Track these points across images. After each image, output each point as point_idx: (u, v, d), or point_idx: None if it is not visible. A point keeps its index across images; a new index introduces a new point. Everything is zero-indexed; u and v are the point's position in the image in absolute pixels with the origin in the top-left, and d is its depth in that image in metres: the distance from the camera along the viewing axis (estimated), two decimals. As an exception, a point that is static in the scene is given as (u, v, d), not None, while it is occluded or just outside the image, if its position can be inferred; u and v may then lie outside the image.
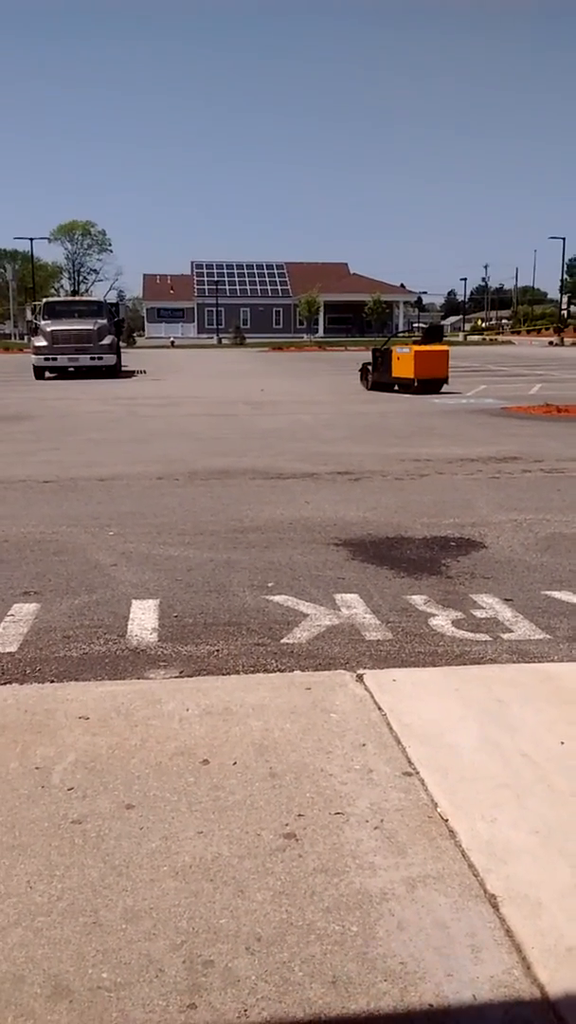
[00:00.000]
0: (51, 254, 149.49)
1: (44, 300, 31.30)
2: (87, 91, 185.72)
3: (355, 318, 79.61)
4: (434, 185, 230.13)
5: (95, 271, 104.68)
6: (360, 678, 3.49)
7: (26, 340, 40.32)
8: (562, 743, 2.89)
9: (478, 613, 4.45)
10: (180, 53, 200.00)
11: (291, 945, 1.97)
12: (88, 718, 3.15)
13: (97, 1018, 1.77)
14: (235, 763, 2.80)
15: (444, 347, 20.02)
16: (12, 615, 4.45)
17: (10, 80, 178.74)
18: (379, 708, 3.18)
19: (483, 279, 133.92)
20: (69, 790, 2.65)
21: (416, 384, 18.44)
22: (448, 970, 1.88)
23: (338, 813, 2.50)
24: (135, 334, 69.75)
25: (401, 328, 64.57)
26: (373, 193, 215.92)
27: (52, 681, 3.63)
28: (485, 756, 2.80)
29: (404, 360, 18.80)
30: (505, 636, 4.12)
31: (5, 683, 3.61)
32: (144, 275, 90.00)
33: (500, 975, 1.87)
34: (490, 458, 9.68)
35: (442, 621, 4.33)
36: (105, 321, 26.48)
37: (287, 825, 2.45)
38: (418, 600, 4.65)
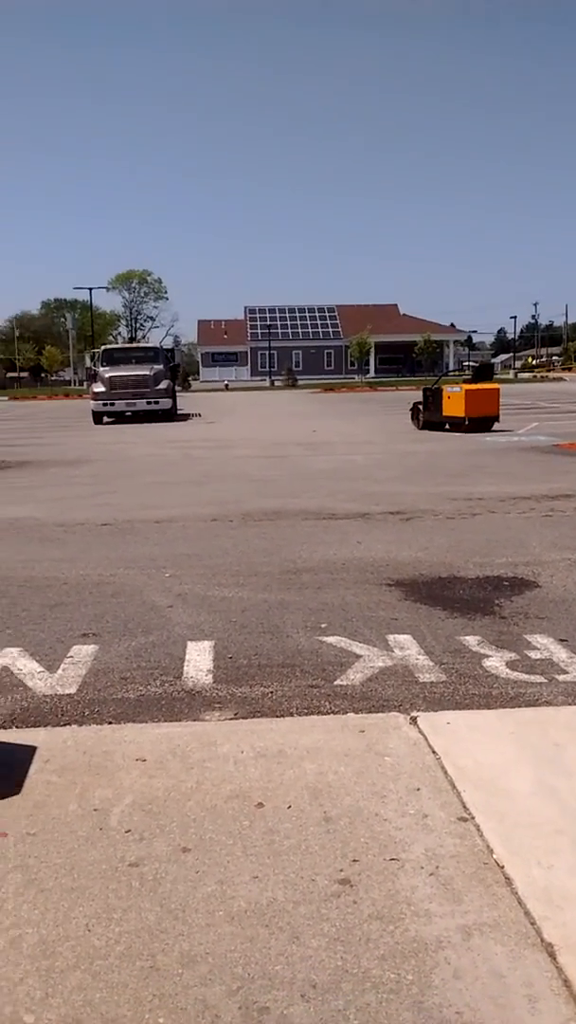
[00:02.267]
0: (109, 303, 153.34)
1: (102, 347, 32.16)
2: (141, 144, 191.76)
3: (406, 358, 79.85)
4: (483, 223, 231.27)
5: (151, 318, 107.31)
6: (414, 721, 3.48)
7: (85, 387, 41.32)
8: (621, 788, 2.84)
9: (532, 654, 4.40)
10: (228, 96, 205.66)
11: (346, 993, 1.97)
12: (145, 760, 3.20)
13: (154, 1062, 1.79)
14: (289, 807, 2.81)
15: (495, 385, 19.95)
16: (71, 656, 4.54)
17: (68, 130, 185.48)
18: (433, 751, 3.17)
19: (533, 317, 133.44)
20: (126, 832, 2.69)
21: (467, 423, 18.38)
22: (505, 1020, 1.86)
23: (393, 859, 2.49)
24: (190, 378, 70.92)
25: (451, 367, 64.57)
26: (422, 233, 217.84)
27: (110, 723, 3.69)
28: (541, 801, 2.77)
29: (455, 399, 18.78)
30: (560, 677, 4.07)
31: (64, 724, 3.68)
32: (198, 320, 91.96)
33: (559, 1027, 1.84)
34: (543, 496, 9.59)
35: (496, 662, 4.29)
36: (161, 366, 27.04)
37: (342, 871, 2.45)
38: (471, 641, 4.62)
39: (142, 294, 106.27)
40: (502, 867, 2.42)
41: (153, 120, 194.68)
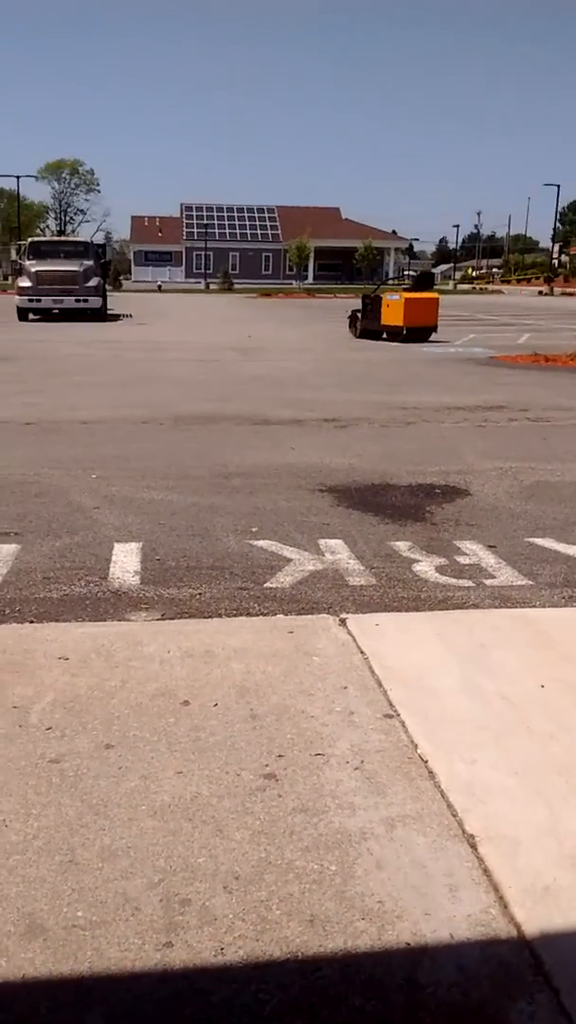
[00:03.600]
0: (37, 193, 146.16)
1: (29, 240, 30.57)
2: (77, 28, 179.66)
3: (345, 265, 78.46)
4: (428, 129, 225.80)
5: (82, 211, 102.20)
6: (343, 622, 3.47)
7: (10, 281, 39.53)
8: (542, 686, 2.88)
9: (462, 559, 4.43)
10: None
11: (269, 884, 1.97)
12: (68, 659, 3.12)
13: (72, 956, 1.76)
14: (215, 705, 2.78)
15: (434, 295, 19.77)
16: (-8, 556, 4.39)
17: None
18: (361, 652, 3.17)
19: (475, 227, 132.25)
20: (47, 729, 2.63)
21: (405, 332, 18.23)
22: (426, 909, 1.88)
23: (318, 754, 2.49)
24: (122, 277, 68.40)
25: (392, 275, 63.74)
26: (366, 136, 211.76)
27: (32, 622, 3.59)
28: (466, 699, 2.79)
29: (393, 307, 18.56)
30: (488, 582, 4.11)
31: (-16, 624, 3.56)
32: (132, 217, 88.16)
33: (477, 914, 1.87)
34: (477, 407, 9.61)
35: (426, 567, 4.31)
36: (92, 263, 25.90)
37: (267, 766, 2.43)
38: (402, 546, 4.62)
39: (73, 185, 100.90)
40: (426, 762, 2.44)
41: (99, 4, 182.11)
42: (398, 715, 2.70)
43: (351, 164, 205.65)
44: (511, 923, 1.85)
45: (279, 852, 2.07)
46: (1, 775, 2.39)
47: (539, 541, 4.72)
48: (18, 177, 71.18)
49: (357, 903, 1.90)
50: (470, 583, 4.10)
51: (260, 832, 2.15)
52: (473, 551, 4.55)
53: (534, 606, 3.81)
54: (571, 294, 54.55)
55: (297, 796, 2.29)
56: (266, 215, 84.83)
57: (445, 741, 2.54)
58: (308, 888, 1.95)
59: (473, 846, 2.08)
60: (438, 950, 1.77)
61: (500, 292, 64.14)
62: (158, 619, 3.64)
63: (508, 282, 76.74)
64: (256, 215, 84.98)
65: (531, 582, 4.11)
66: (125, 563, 4.32)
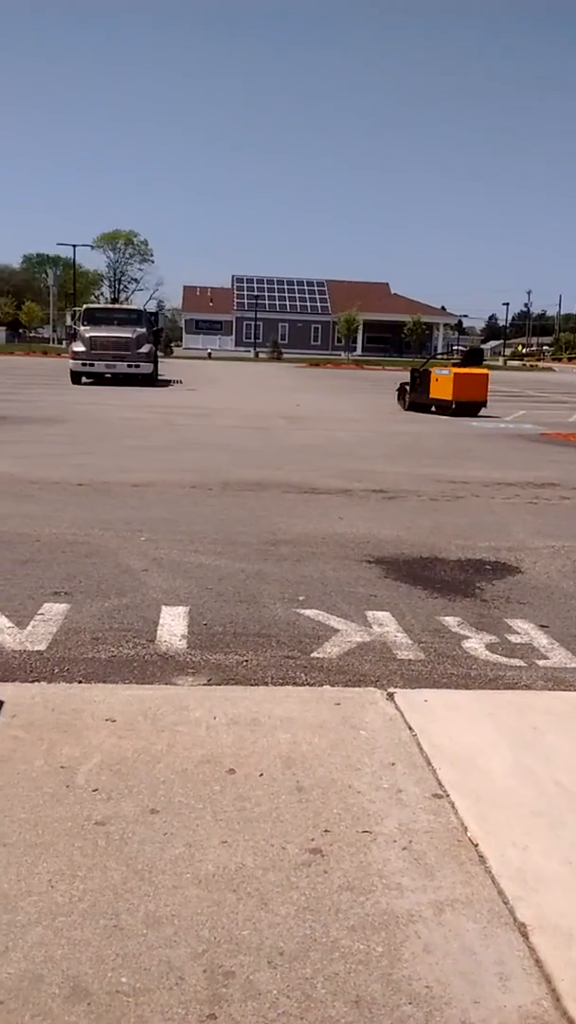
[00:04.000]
0: (93, 262, 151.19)
1: (84, 306, 31.65)
2: (134, 104, 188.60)
3: (394, 338, 79.60)
4: (480, 207, 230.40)
5: (136, 280, 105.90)
6: (391, 696, 3.44)
7: (64, 345, 40.75)
8: (596, 773, 2.82)
9: (513, 638, 4.38)
10: (224, 62, 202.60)
11: (314, 962, 1.93)
12: (115, 720, 3.14)
13: (115, 1022, 1.74)
14: (261, 775, 2.77)
15: (484, 370, 19.92)
16: (42, 614, 4.46)
17: (54, 87, 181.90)
18: (410, 728, 3.14)
19: (525, 305, 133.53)
20: (94, 791, 2.63)
21: (454, 406, 18.35)
22: (475, 997, 1.83)
23: (365, 831, 2.46)
24: (173, 344, 70.23)
25: (440, 350, 64.47)
26: (419, 212, 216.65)
27: (80, 682, 3.62)
28: (518, 782, 2.74)
29: (443, 381, 18.73)
30: (540, 663, 4.05)
31: (33, 681, 3.60)
32: (184, 286, 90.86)
33: (528, 1005, 1.81)
34: (528, 483, 9.59)
35: (476, 644, 4.27)
36: (144, 330, 26.68)
37: (313, 840, 2.41)
38: (451, 622, 4.60)
39: (127, 255, 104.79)
40: (476, 845, 2.39)
41: (149, 78, 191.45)
42: (447, 795, 2.66)
43: (402, 240, 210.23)
44: (564, 1017, 1.79)
45: (324, 930, 2.04)
46: (48, 835, 2.39)
47: (590, 622, 4.65)
48: (75, 246, 74.06)
49: (404, 987, 1.86)
50: (522, 663, 4.05)
51: (305, 908, 2.12)
52: (525, 630, 4.50)
53: (586, 689, 3.74)
54: (621, 374, 54.46)
55: (343, 873, 2.26)
56: (315, 288, 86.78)
57: (497, 825, 2.49)
58: (354, 968, 1.92)
59: (524, 935, 2.03)
60: (489, 1043, 1.71)
61: (551, 370, 64.37)
62: (204, 684, 3.65)
63: (559, 360, 77.04)
64: (306, 287, 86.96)
65: (582, 664, 4.05)
66: (172, 626, 4.36)
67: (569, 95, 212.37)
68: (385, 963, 1.93)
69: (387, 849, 2.37)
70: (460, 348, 29.89)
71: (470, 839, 2.42)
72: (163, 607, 4.66)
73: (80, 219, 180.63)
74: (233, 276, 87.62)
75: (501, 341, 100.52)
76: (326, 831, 2.45)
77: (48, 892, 2.16)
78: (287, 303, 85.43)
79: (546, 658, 4.11)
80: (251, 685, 3.65)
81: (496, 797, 2.64)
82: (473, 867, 2.29)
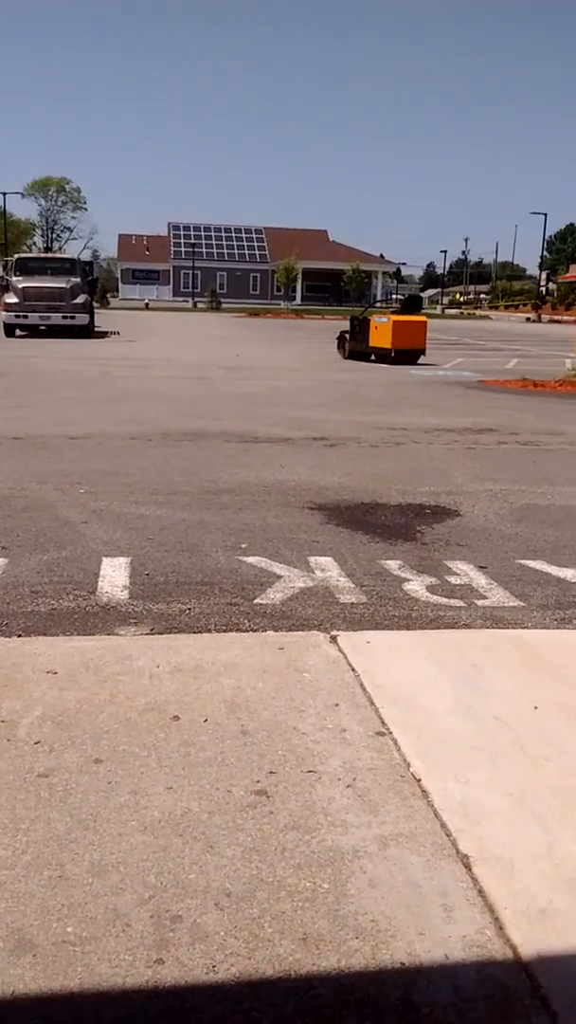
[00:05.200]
0: (24, 210, 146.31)
1: (16, 256, 30.59)
2: (63, 44, 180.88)
3: (333, 287, 79.01)
4: (417, 155, 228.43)
5: (69, 229, 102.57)
6: (334, 639, 3.45)
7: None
8: (535, 708, 2.87)
9: (452, 579, 4.43)
10: (160, 8, 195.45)
11: (261, 901, 1.94)
12: (56, 672, 3.09)
13: (62, 972, 1.73)
14: (206, 720, 2.76)
15: (422, 318, 19.93)
16: (-21, 569, 4.34)
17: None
18: (352, 669, 3.15)
19: (463, 253, 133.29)
20: (35, 743, 2.59)
21: (393, 354, 18.34)
22: (420, 929, 1.86)
23: (310, 771, 2.46)
24: (109, 295, 68.55)
25: (379, 298, 64.22)
26: (355, 160, 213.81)
27: (19, 635, 3.55)
28: (458, 719, 2.78)
29: (382, 330, 18.69)
30: (479, 602, 4.11)
31: (-29, 636, 3.52)
32: (119, 235, 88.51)
33: (473, 935, 1.85)
34: (466, 429, 9.66)
35: (416, 586, 4.30)
36: (79, 280, 25.95)
37: (258, 782, 2.41)
38: (392, 565, 4.62)
39: (60, 203, 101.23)
40: (419, 780, 2.42)
41: (80, 21, 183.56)
42: (390, 733, 2.68)
43: (339, 187, 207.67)
44: (507, 945, 1.83)
45: (271, 869, 2.05)
46: (-11, 789, 2.35)
47: (530, 563, 4.73)
48: (4, 194, 71.12)
49: (351, 922, 1.88)
50: (461, 603, 4.09)
51: (251, 849, 2.12)
52: (464, 571, 4.55)
53: (526, 627, 3.80)
54: (558, 321, 55.06)
55: (289, 813, 2.27)
56: (254, 235, 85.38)
57: (438, 760, 2.52)
58: (301, 906, 1.93)
59: (467, 866, 2.06)
60: (433, 971, 1.74)
61: (487, 318, 64.68)
62: (147, 634, 3.62)
63: (496, 308, 77.41)
64: (244, 236, 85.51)
65: (522, 603, 4.12)
66: (113, 578, 4.30)
67: (500, 47, 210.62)
68: (331, 899, 1.95)
69: (331, 787, 2.38)
70: (399, 296, 29.81)
71: (413, 775, 2.45)
72: (104, 559, 4.59)
73: (9, 166, 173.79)
74: (169, 223, 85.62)
75: (439, 289, 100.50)
76: (271, 772, 2.46)
77: (-10, 846, 2.12)
78: (225, 252, 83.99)
79: (485, 598, 4.17)
80: (194, 633, 3.63)
81: (437, 734, 2.67)
82: (416, 802, 2.32)
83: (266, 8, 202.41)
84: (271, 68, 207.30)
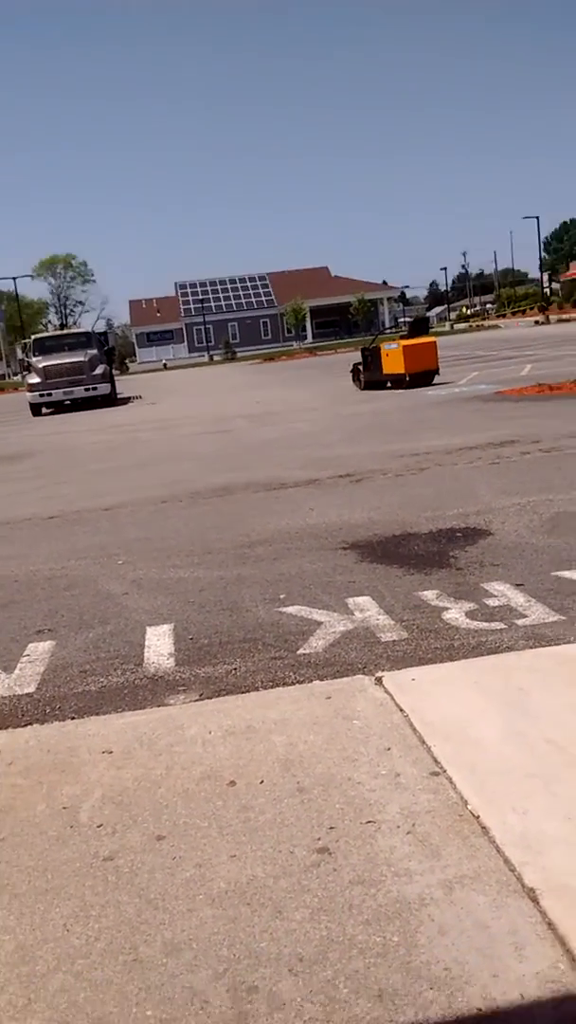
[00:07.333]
0: (35, 291, 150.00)
1: (33, 337, 31.46)
2: (54, 128, 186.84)
3: (342, 320, 79.73)
4: (405, 179, 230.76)
5: (81, 303, 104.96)
6: (379, 681, 3.47)
7: (21, 379, 40.50)
8: (587, 725, 2.86)
9: (490, 602, 4.42)
10: (149, 67, 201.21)
11: (333, 962, 1.95)
12: (111, 751, 3.14)
13: (145, 1057, 1.75)
14: (262, 781, 2.78)
15: (432, 339, 20.01)
16: (28, 655, 4.44)
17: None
18: (400, 709, 3.16)
19: (463, 266, 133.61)
20: (98, 827, 2.64)
21: (408, 379, 18.41)
22: (493, 971, 1.86)
23: (369, 822, 2.48)
24: (127, 360, 69.94)
25: (387, 324, 64.57)
26: (347, 192, 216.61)
27: (72, 718, 3.62)
28: (510, 747, 2.78)
29: (393, 356, 18.79)
30: (520, 622, 4.10)
31: (26, 724, 3.59)
32: (130, 301, 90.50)
33: (546, 970, 1.84)
34: (488, 444, 9.65)
35: (455, 614, 4.31)
36: (96, 351, 26.56)
37: (319, 839, 2.43)
38: (430, 595, 4.63)
39: (68, 279, 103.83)
40: (477, 817, 2.42)
41: (65, 101, 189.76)
42: (444, 772, 2.68)
43: (334, 223, 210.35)
44: (582, 976, 1.82)
45: (340, 928, 2.06)
46: (58, 879, 2.40)
47: (566, 574, 4.71)
48: (15, 278, 73.40)
49: (424, 972, 1.88)
50: (502, 625, 4.09)
51: (319, 909, 2.14)
52: (501, 592, 4.55)
53: (569, 642, 3.78)
54: (567, 320, 54.86)
55: (352, 868, 2.28)
56: (258, 282, 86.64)
57: (495, 793, 2.52)
58: (373, 962, 1.94)
59: (535, 900, 2.06)
60: (510, 1013, 1.74)
61: (497, 327, 64.63)
62: (196, 700, 3.66)
63: (503, 316, 77.41)
64: (249, 284, 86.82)
65: (563, 617, 4.10)
66: (159, 646, 4.36)
67: (471, 58, 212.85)
68: (403, 952, 1.95)
69: (392, 836, 2.39)
70: (406, 320, 29.96)
71: (471, 812, 2.45)
72: (147, 628, 4.66)
73: (15, 252, 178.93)
74: (176, 283, 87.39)
75: (445, 306, 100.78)
76: (331, 828, 2.47)
77: (64, 936, 2.16)
78: (233, 302, 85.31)
79: (524, 616, 4.16)
80: (242, 693, 3.66)
81: (491, 765, 2.67)
82: (477, 840, 2.32)
83: (246, 39, 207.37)
84: (253, 116, 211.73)
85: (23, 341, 33.27)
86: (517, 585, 4.62)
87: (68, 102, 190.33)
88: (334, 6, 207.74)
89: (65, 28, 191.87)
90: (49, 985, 2.00)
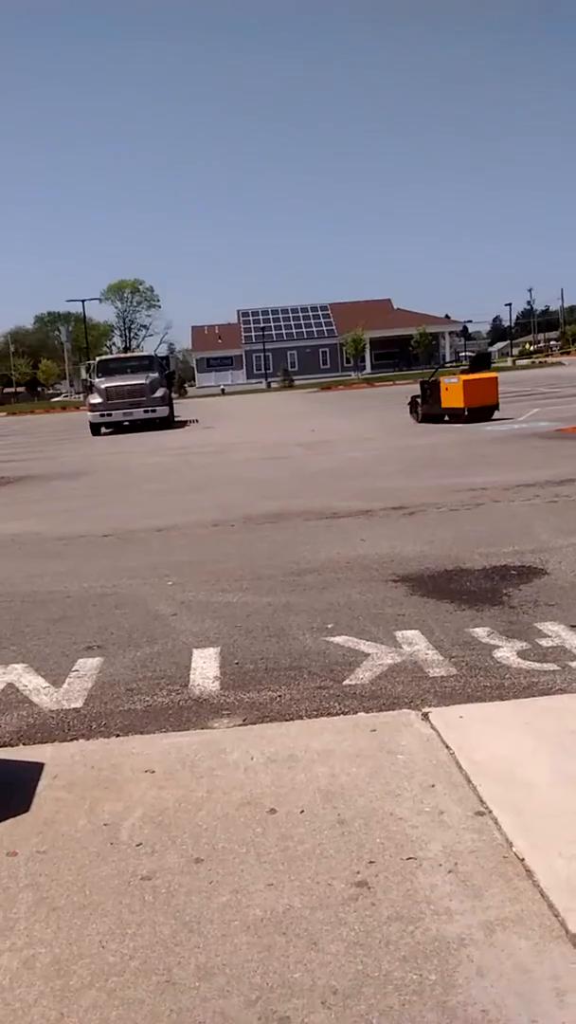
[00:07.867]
0: (102, 314, 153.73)
1: (97, 359, 32.20)
2: (123, 151, 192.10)
3: (402, 352, 79.75)
4: (473, 211, 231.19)
5: (145, 327, 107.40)
6: (426, 716, 3.43)
7: (82, 399, 41.40)
8: None
9: (544, 642, 4.35)
10: (216, 102, 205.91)
11: (368, 997, 1.92)
12: (154, 771, 3.15)
13: (174, 1081, 1.74)
14: (302, 811, 2.77)
15: (492, 374, 19.89)
16: (77, 670, 4.49)
17: (50, 148, 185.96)
18: (447, 747, 3.12)
19: (528, 302, 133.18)
20: (138, 846, 2.65)
21: (466, 413, 18.31)
22: (532, 1016, 1.81)
23: (410, 858, 2.44)
24: (186, 385, 70.99)
25: (448, 358, 64.44)
26: (413, 225, 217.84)
27: (117, 735, 3.65)
28: (559, 790, 2.72)
29: (453, 390, 18.73)
30: (573, 664, 4.02)
31: (72, 739, 3.63)
32: (192, 327, 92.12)
33: (588, 1023, 1.79)
34: (547, 482, 9.53)
35: (507, 652, 4.24)
36: (157, 374, 27.05)
37: (358, 873, 2.40)
38: (481, 632, 4.57)
39: (135, 303, 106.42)
40: (522, 860, 2.37)
41: (137, 135, 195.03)
42: (490, 812, 2.63)
43: (399, 254, 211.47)
44: (625, 1032, 1.76)
45: (376, 964, 2.03)
46: (96, 895, 2.41)
47: (622, 617, 4.61)
48: (83, 301, 75.56)
49: (460, 1013, 1.84)
50: (555, 666, 4.01)
51: (355, 943, 2.11)
52: (555, 632, 4.47)
53: (622, 686, 3.70)
54: None
55: (391, 904, 2.25)
56: (320, 312, 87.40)
57: (542, 837, 2.46)
58: (408, 1000, 1.90)
59: (578, 948, 2.00)
60: (550, 1065, 1.69)
61: (560, 364, 64.04)
62: (240, 725, 3.66)
63: (568, 353, 76.64)
64: (310, 313, 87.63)
65: (617, 661, 4.01)
66: (205, 669, 4.37)
67: (539, 89, 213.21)
68: (439, 991, 1.91)
69: (433, 874, 2.35)
70: (467, 354, 29.90)
71: (516, 854, 2.40)
72: (194, 650, 4.68)
73: (87, 275, 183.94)
74: (238, 311, 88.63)
75: (508, 342, 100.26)
76: (371, 862, 2.44)
77: (99, 953, 2.17)
78: (293, 331, 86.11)
79: (579, 659, 4.08)
80: (286, 720, 3.65)
81: (539, 808, 2.61)
82: (521, 883, 2.27)
83: (297, 72, 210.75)
84: (318, 146, 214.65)
85: (88, 362, 34.02)
86: (572, 626, 4.54)
87: (145, 131, 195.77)
88: (428, 29, 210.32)
89: (152, 50, 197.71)
90: (82, 1000, 2.00)
